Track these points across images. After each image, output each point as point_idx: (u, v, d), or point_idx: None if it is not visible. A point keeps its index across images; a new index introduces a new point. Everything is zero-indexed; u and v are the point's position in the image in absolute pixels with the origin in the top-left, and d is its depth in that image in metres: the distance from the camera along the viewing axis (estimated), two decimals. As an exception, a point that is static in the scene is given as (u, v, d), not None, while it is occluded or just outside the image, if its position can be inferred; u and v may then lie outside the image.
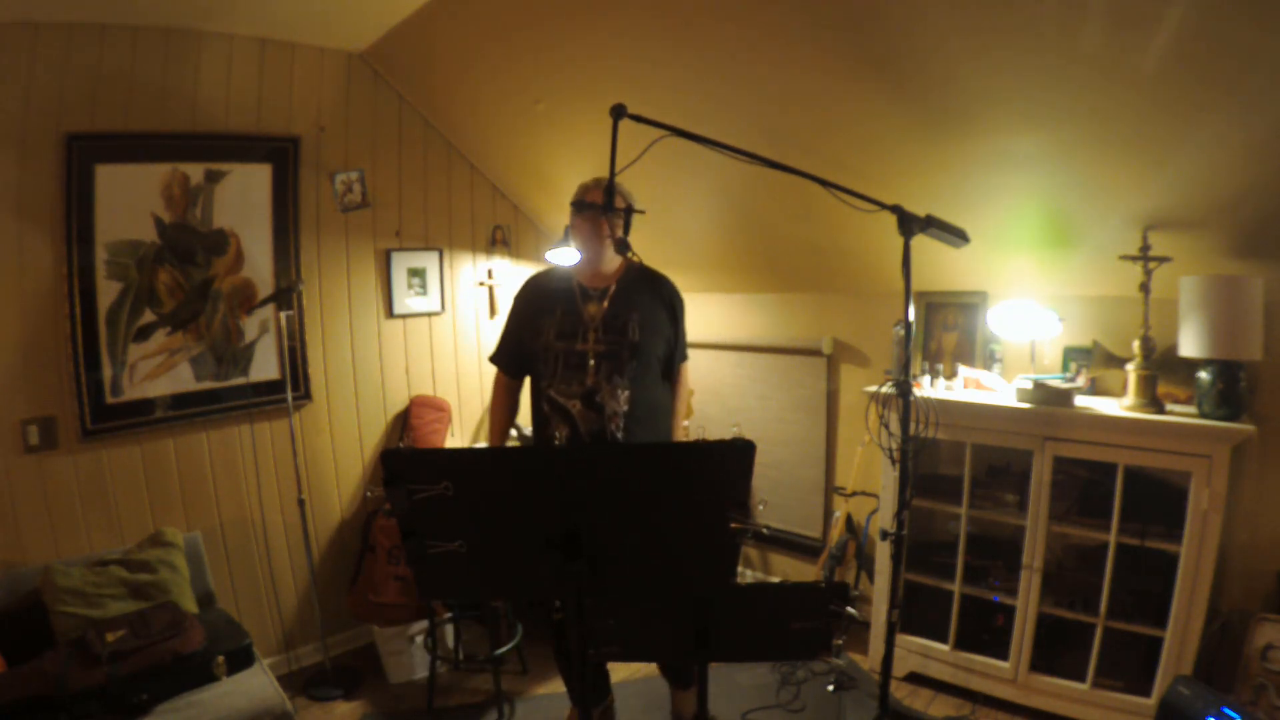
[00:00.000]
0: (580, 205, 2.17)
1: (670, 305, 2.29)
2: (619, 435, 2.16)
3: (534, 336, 2.23)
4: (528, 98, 2.92)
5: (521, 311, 2.33)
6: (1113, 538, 2.34)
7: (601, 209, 1.92)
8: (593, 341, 2.15)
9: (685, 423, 2.37)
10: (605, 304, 2.19)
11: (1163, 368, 2.39)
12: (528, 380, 2.39)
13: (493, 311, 3.66)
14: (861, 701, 2.70)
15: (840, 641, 2.93)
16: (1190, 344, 2.17)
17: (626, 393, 2.15)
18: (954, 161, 2.34)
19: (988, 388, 2.64)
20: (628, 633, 1.69)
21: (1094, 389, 2.58)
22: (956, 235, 1.88)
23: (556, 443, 2.19)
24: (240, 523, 2.92)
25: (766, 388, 3.46)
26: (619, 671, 2.89)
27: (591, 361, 2.14)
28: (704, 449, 1.35)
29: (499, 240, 3.67)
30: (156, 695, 2.09)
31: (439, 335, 3.49)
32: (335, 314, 3.14)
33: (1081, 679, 2.41)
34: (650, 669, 2.96)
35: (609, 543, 1.27)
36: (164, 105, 2.63)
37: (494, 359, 2.42)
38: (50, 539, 2.47)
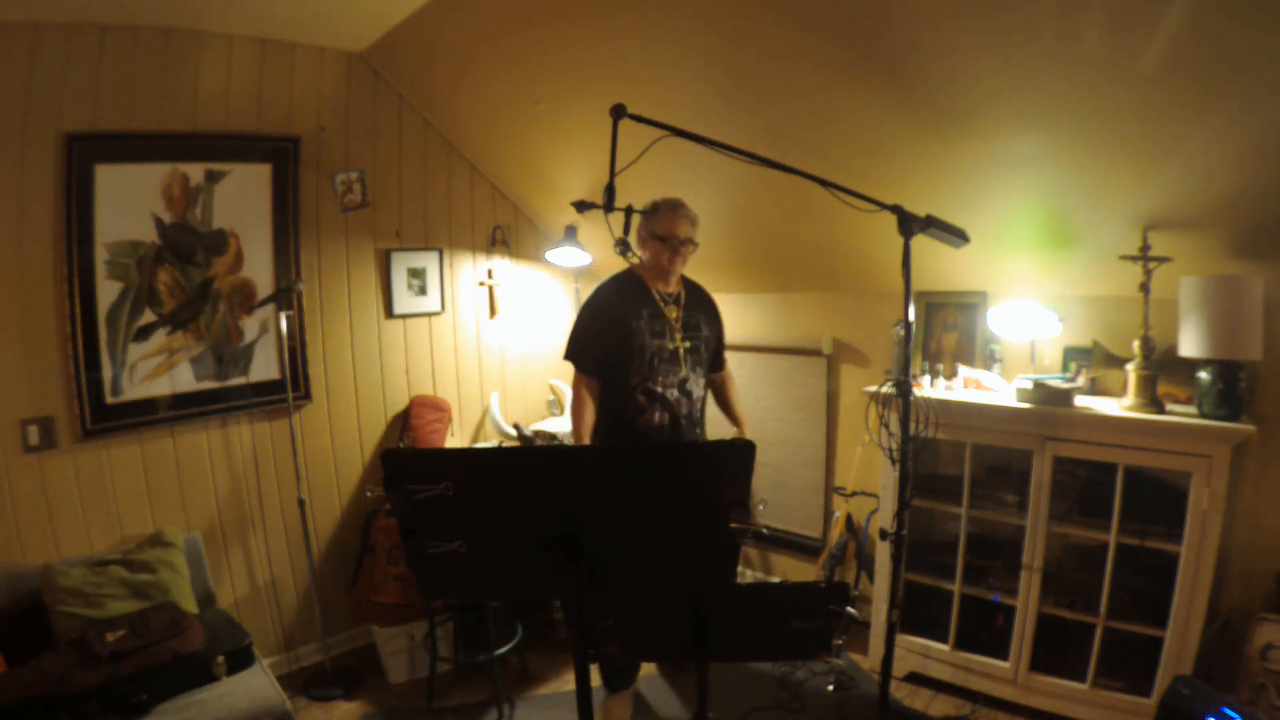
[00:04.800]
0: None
1: (716, 311, 2.70)
2: (698, 416, 2.58)
3: (628, 337, 2.45)
4: (528, 98, 2.92)
5: (603, 314, 2.52)
6: (1113, 538, 2.34)
7: (606, 210, 1.92)
8: (679, 340, 2.51)
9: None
10: (680, 309, 2.56)
11: (1163, 368, 2.39)
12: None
13: (493, 311, 3.66)
14: (861, 701, 2.70)
15: (840, 641, 2.93)
16: (1190, 344, 2.17)
17: (703, 380, 2.59)
18: (954, 161, 2.34)
19: (988, 388, 2.64)
20: (627, 633, 1.69)
21: (1094, 389, 2.58)
22: (956, 235, 1.88)
23: (656, 427, 2.47)
24: (240, 523, 2.92)
25: (766, 388, 3.46)
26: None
27: (682, 355, 2.51)
28: (704, 449, 1.34)
29: (499, 240, 3.67)
30: (156, 695, 2.09)
31: (439, 335, 3.49)
32: (335, 314, 3.14)
33: (1081, 679, 2.41)
34: (651, 669, 2.97)
35: (609, 543, 1.27)
36: (164, 105, 2.63)
37: (574, 358, 2.55)
38: (50, 539, 2.47)
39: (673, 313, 2.53)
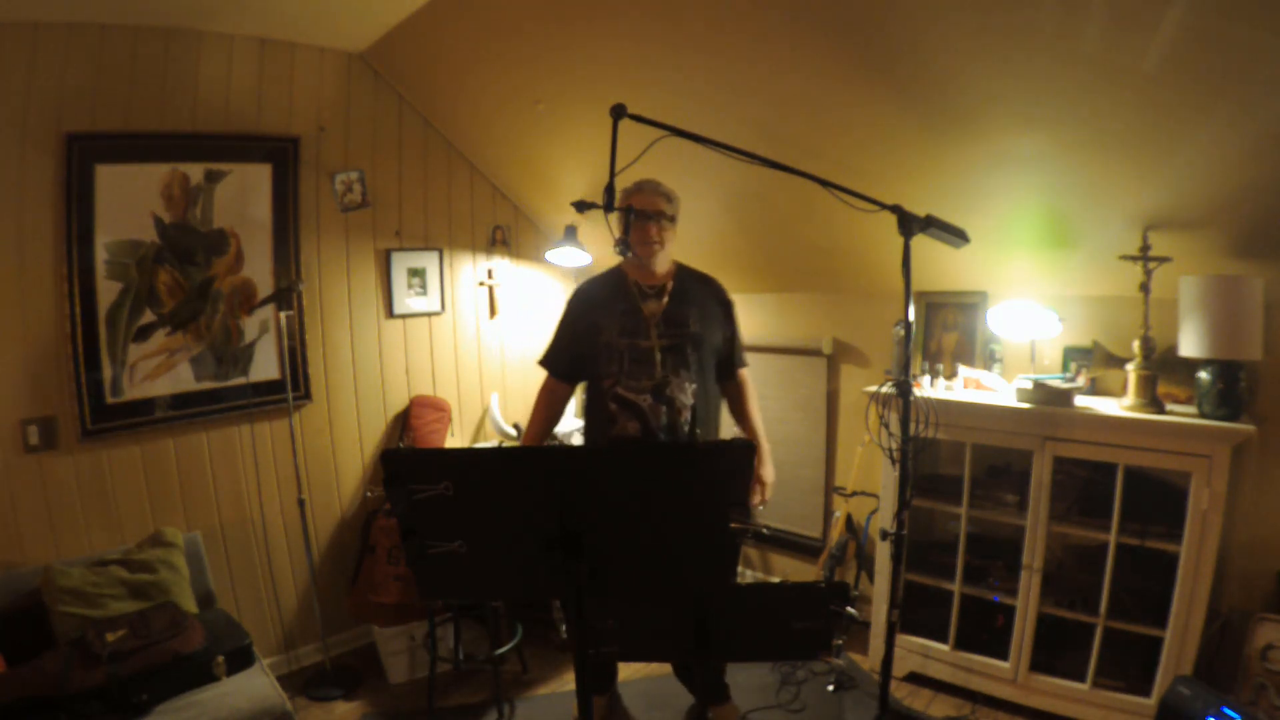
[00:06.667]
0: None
1: (724, 303, 2.41)
2: (686, 428, 2.23)
3: (594, 335, 2.26)
4: (528, 98, 2.92)
5: (578, 313, 2.36)
6: (1113, 538, 2.34)
7: (606, 209, 1.91)
8: (655, 337, 2.23)
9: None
10: (665, 300, 2.28)
11: (1163, 368, 2.39)
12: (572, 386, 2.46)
13: (493, 311, 3.66)
14: (861, 701, 2.70)
15: (840, 641, 2.92)
16: (1190, 344, 2.17)
17: (693, 385, 2.24)
18: (954, 162, 2.34)
19: (988, 388, 2.64)
20: (628, 633, 1.69)
21: (1094, 389, 2.58)
22: (956, 235, 1.88)
23: (630, 439, 2.22)
24: (240, 523, 2.92)
25: (766, 388, 3.46)
26: (621, 671, 2.89)
27: (658, 356, 2.21)
28: (704, 449, 1.35)
29: (499, 240, 3.67)
30: (156, 695, 2.09)
31: (439, 335, 3.49)
32: (335, 314, 3.14)
33: (1081, 679, 2.41)
34: (651, 669, 2.97)
35: (609, 543, 1.27)
36: (164, 105, 2.63)
37: (544, 361, 2.43)
38: (50, 539, 2.47)
39: (651, 307, 2.26)
